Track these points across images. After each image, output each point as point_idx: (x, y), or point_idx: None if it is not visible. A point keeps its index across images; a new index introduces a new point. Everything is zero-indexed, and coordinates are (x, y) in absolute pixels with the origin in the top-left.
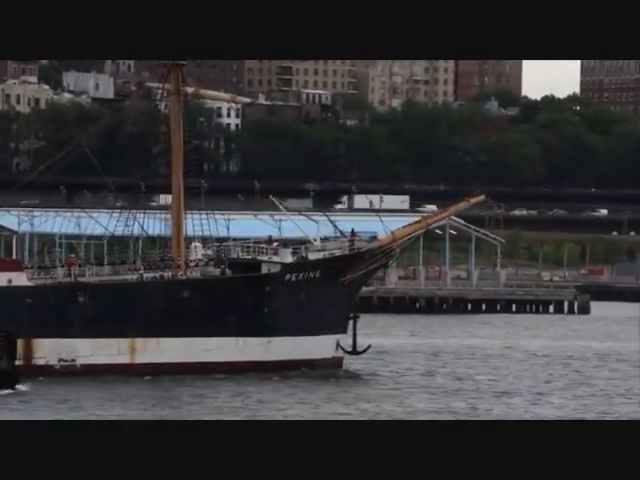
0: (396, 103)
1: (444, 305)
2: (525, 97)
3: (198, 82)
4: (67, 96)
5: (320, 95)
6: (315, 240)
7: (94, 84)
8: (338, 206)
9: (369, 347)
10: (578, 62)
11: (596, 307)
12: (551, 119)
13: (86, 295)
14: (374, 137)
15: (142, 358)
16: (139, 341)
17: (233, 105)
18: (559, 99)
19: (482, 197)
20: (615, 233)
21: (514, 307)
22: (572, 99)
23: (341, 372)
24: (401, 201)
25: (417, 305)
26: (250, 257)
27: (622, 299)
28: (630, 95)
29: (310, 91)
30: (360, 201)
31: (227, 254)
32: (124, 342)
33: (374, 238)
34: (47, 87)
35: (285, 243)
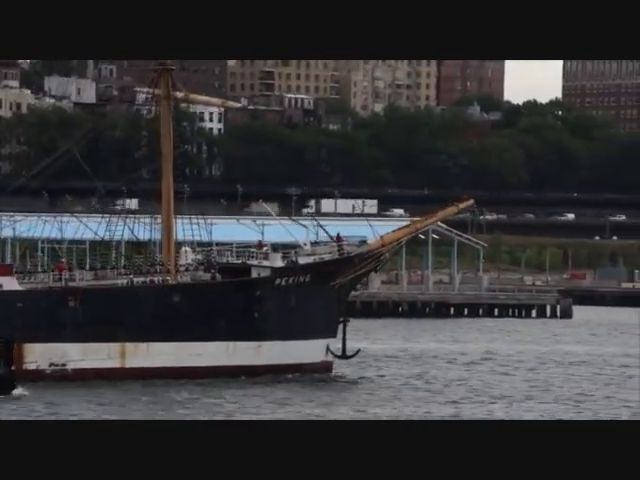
0: (378, 108)
1: (427, 309)
2: (507, 102)
3: (182, 86)
4: (49, 101)
5: (302, 100)
6: (305, 244)
7: (76, 89)
8: (305, 210)
9: (359, 351)
10: (560, 67)
11: (578, 311)
12: (533, 124)
13: (77, 299)
14: (356, 142)
15: (132, 362)
16: (129, 345)
17: (216, 110)
18: (541, 104)
19: (471, 201)
20: (597, 238)
21: (496, 311)
22: (554, 104)
23: (330, 376)
24: (370, 205)
25: (400, 309)
26: (240, 261)
27: (604, 304)
28: (612, 100)
29: (292, 96)
30: (327, 205)
31: (216, 258)
32: (114, 346)
33: (363, 242)
34: (29, 92)
35: (275, 247)
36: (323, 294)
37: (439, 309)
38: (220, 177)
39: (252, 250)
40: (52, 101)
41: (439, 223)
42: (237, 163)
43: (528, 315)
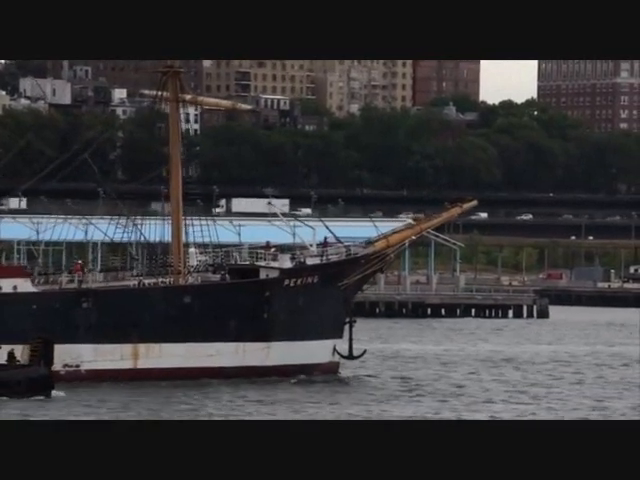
0: (354, 108)
1: (404, 310)
2: (483, 102)
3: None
4: (24, 102)
5: (278, 100)
6: (311, 245)
7: (51, 90)
8: (217, 209)
9: (365, 352)
10: (535, 67)
11: (555, 311)
12: (509, 124)
13: (90, 301)
14: (332, 142)
15: (145, 364)
16: (141, 347)
17: (192, 111)
18: (516, 104)
19: (474, 202)
20: (573, 238)
21: (473, 312)
22: (529, 104)
23: (337, 377)
24: (282, 204)
25: (377, 310)
26: (248, 262)
27: (580, 303)
28: (587, 100)
29: (268, 96)
30: (238, 204)
31: (224, 260)
32: (127, 348)
33: (369, 243)
34: (3, 93)
35: (282, 248)
36: (330, 295)
37: (416, 310)
38: (197, 178)
39: (260, 251)
40: (27, 102)
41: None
42: (214, 164)
43: (505, 315)
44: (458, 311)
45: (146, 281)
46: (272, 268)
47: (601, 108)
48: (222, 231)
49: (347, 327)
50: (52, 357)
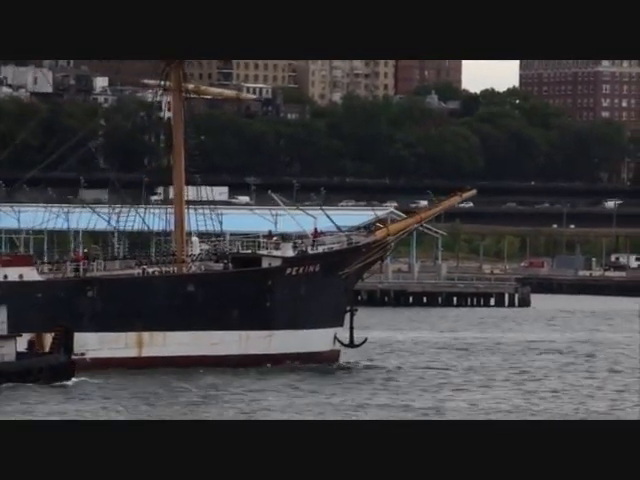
0: (336, 97)
1: (385, 298)
2: (465, 90)
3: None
4: (5, 90)
5: (261, 89)
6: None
7: (33, 78)
8: (154, 197)
9: (366, 340)
10: None
11: (536, 299)
12: (490, 112)
13: (95, 289)
14: (315, 131)
15: (149, 352)
16: (146, 335)
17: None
18: (498, 92)
19: (474, 191)
20: (555, 226)
21: (455, 300)
22: (511, 92)
23: (337, 365)
24: (219, 193)
25: (359, 298)
26: (250, 251)
27: (562, 291)
28: (568, 89)
29: (250, 85)
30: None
31: (226, 248)
32: (131, 336)
33: (370, 232)
34: None
35: (283, 237)
36: (332, 283)
37: (398, 298)
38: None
39: (262, 240)
40: (9, 91)
41: (397, 212)
42: (195, 152)
43: (487, 303)
44: (440, 299)
45: (149, 270)
46: (274, 257)
47: (583, 97)
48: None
49: (348, 315)
50: (72, 345)
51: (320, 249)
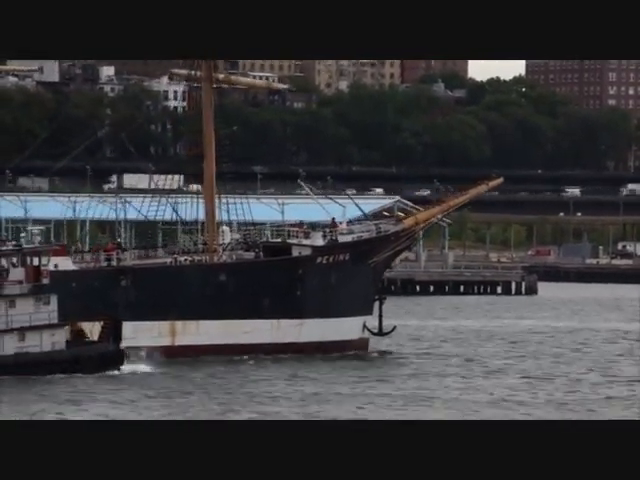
0: (343, 85)
1: (392, 287)
2: (471, 79)
3: (159, 66)
4: (12, 79)
5: (267, 78)
6: (341, 223)
7: (39, 67)
8: (106, 186)
9: (395, 328)
10: None
11: (543, 287)
12: (497, 101)
13: (128, 279)
14: (321, 120)
15: (182, 340)
16: (179, 324)
17: (180, 88)
18: (505, 81)
19: (500, 180)
20: (561, 214)
21: (462, 288)
22: (517, 81)
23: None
24: (176, 180)
25: None
26: (280, 240)
27: (568, 279)
28: (575, 77)
29: (257, 74)
30: (128, 180)
31: (256, 237)
32: (165, 325)
33: (398, 221)
34: None
35: (313, 226)
36: (361, 272)
37: (405, 286)
38: (185, 156)
39: (291, 229)
40: (15, 80)
41: (404, 200)
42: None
43: (493, 292)
44: (447, 288)
45: (181, 259)
46: (304, 246)
47: (589, 85)
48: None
49: (377, 304)
50: (121, 334)
51: (349, 238)
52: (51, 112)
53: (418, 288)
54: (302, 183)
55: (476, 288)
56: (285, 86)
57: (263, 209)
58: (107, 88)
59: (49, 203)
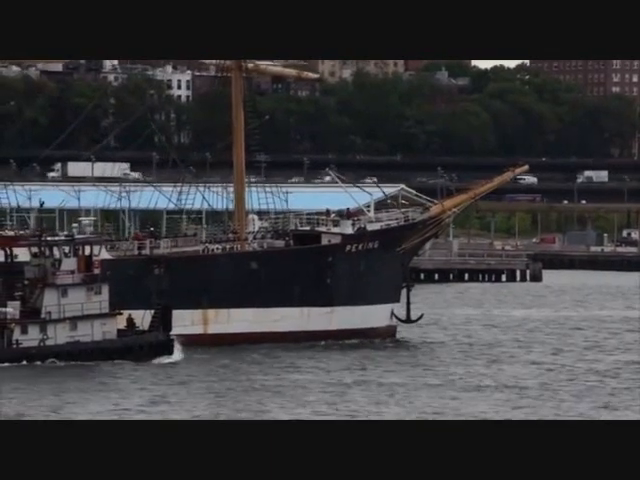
0: (346, 74)
1: None
2: (475, 67)
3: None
4: (15, 69)
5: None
6: (368, 211)
7: None
8: (51, 174)
9: (422, 316)
10: None
11: (548, 275)
12: (500, 89)
13: (161, 267)
14: (325, 108)
15: (214, 328)
16: (211, 312)
17: (184, 77)
18: (508, 68)
19: (526, 167)
20: (566, 202)
21: (467, 276)
22: (521, 68)
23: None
24: (122, 169)
25: None
26: (309, 228)
27: (573, 267)
28: (579, 64)
29: (260, 62)
30: (73, 168)
31: (284, 225)
32: (197, 313)
33: (426, 209)
34: None
35: (340, 214)
36: (389, 260)
37: (409, 274)
38: (189, 144)
39: (320, 217)
40: (18, 69)
41: (408, 188)
42: (205, 130)
43: (498, 279)
44: (451, 276)
45: (211, 247)
46: (334, 234)
47: (593, 72)
48: (213, 197)
49: (404, 291)
50: (171, 323)
51: (378, 226)
52: (54, 101)
53: (422, 276)
54: (331, 172)
55: (481, 276)
56: (316, 75)
57: (291, 198)
58: (111, 77)
59: (55, 192)
